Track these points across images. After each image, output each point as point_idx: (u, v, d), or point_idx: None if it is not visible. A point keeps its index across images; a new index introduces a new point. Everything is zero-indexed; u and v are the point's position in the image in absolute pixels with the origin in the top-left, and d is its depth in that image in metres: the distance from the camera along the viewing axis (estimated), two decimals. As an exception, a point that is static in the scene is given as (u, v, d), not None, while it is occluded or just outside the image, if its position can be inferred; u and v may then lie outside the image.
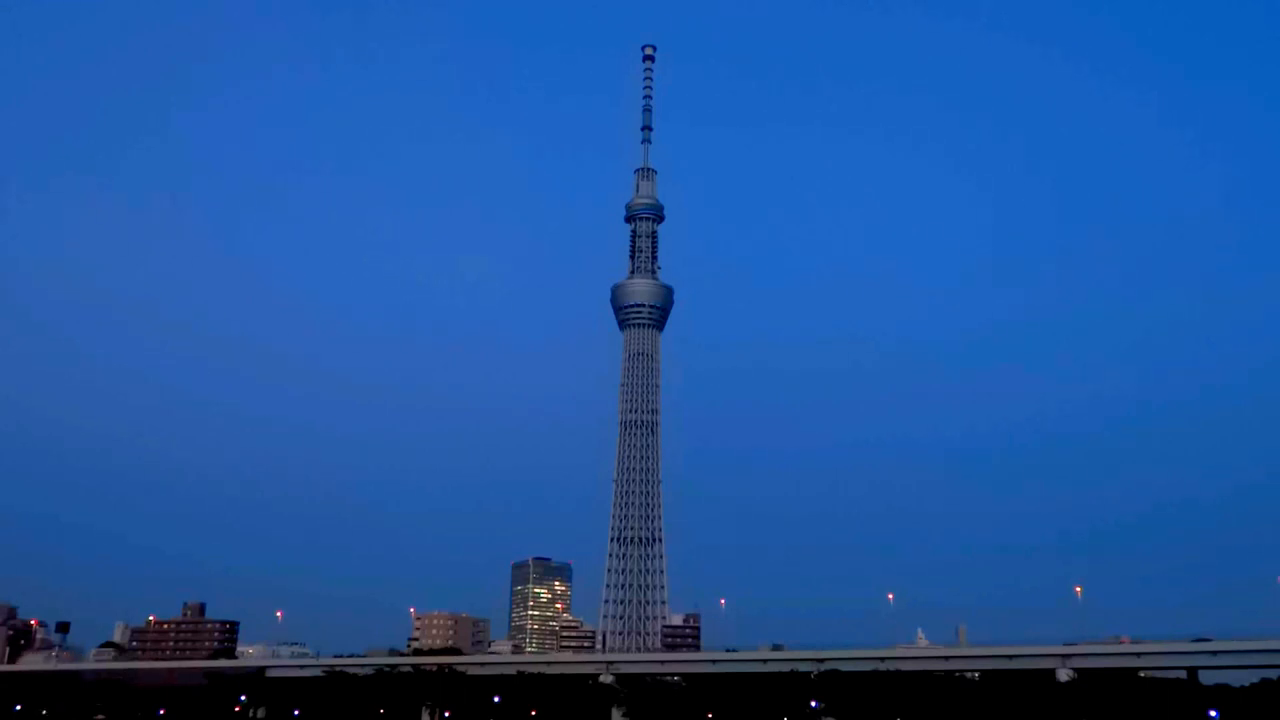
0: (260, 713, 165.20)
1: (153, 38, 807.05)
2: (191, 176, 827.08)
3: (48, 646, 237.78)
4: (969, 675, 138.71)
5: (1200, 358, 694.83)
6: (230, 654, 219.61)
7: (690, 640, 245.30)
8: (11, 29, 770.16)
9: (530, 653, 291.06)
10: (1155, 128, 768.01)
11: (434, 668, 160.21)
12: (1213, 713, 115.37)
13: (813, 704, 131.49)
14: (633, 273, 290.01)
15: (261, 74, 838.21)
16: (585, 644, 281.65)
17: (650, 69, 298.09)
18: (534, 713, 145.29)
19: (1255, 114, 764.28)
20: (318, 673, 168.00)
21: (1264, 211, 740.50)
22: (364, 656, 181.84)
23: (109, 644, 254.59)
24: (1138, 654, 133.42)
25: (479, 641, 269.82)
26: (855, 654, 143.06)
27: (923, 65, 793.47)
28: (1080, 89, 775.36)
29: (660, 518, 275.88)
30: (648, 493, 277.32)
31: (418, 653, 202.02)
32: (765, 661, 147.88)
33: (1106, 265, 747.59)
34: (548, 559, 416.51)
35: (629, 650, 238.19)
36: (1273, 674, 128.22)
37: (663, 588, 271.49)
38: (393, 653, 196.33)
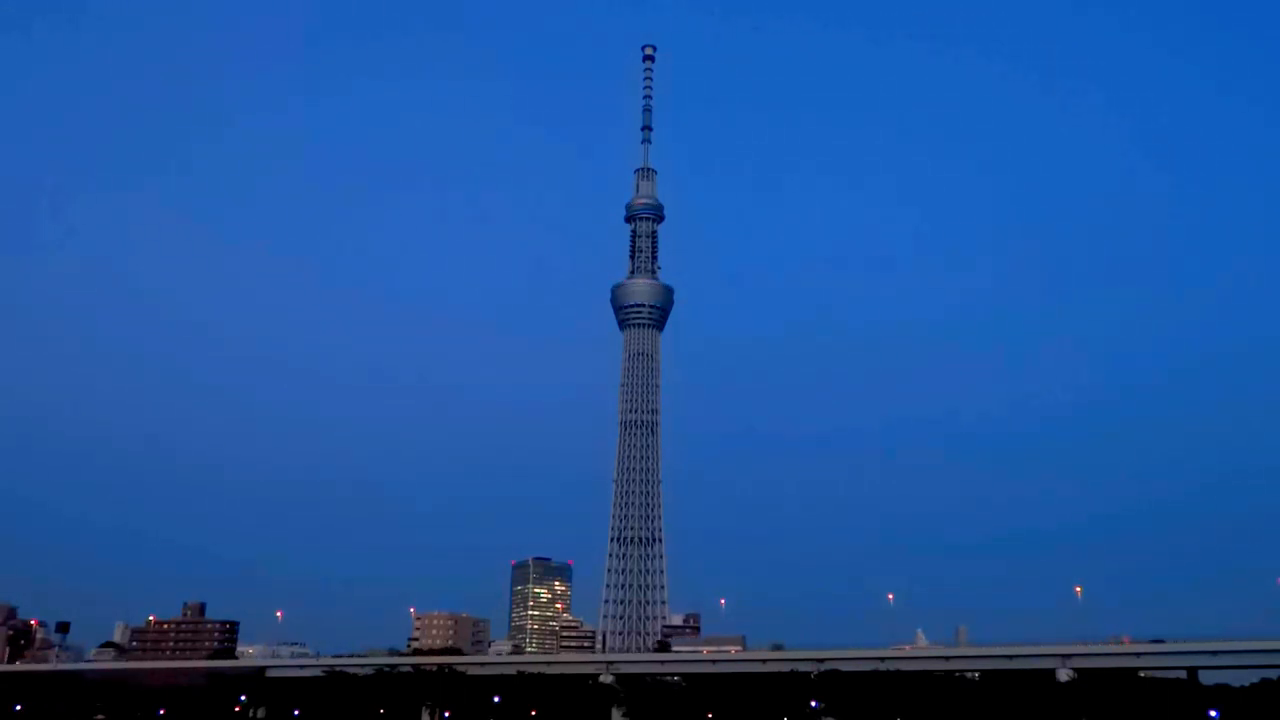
0: (260, 713, 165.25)
1: (183, 67, 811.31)
2: (195, 185, 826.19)
3: (48, 646, 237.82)
4: (969, 675, 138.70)
5: (1185, 351, 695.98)
6: (230, 654, 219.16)
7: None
8: (65, 36, 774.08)
9: (530, 653, 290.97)
10: (1106, 122, 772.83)
11: (434, 668, 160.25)
12: (1213, 713, 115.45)
13: (813, 704, 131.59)
14: (633, 273, 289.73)
15: (276, 107, 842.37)
16: (585, 644, 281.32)
17: (650, 69, 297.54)
18: (534, 713, 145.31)
19: (1201, 104, 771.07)
20: (318, 673, 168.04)
21: (1219, 204, 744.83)
22: (364, 656, 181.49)
23: (109, 644, 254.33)
24: (1138, 654, 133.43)
25: (479, 641, 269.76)
26: (855, 654, 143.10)
27: (899, 77, 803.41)
28: (1036, 89, 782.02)
29: (660, 518, 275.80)
30: (648, 493, 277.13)
31: (418, 653, 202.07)
32: (765, 661, 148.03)
33: (1086, 258, 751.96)
34: (548, 559, 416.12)
35: (629, 650, 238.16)
36: (1273, 674, 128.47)
37: (663, 588, 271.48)
38: (393, 653, 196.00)
